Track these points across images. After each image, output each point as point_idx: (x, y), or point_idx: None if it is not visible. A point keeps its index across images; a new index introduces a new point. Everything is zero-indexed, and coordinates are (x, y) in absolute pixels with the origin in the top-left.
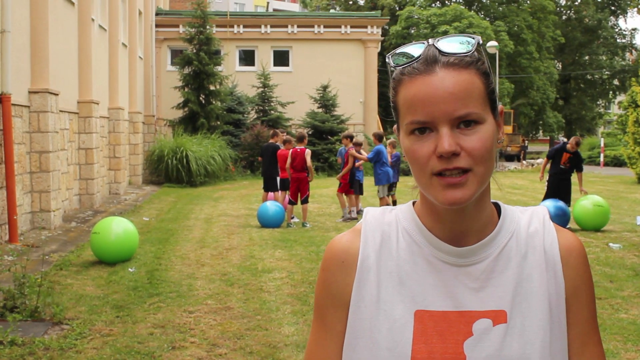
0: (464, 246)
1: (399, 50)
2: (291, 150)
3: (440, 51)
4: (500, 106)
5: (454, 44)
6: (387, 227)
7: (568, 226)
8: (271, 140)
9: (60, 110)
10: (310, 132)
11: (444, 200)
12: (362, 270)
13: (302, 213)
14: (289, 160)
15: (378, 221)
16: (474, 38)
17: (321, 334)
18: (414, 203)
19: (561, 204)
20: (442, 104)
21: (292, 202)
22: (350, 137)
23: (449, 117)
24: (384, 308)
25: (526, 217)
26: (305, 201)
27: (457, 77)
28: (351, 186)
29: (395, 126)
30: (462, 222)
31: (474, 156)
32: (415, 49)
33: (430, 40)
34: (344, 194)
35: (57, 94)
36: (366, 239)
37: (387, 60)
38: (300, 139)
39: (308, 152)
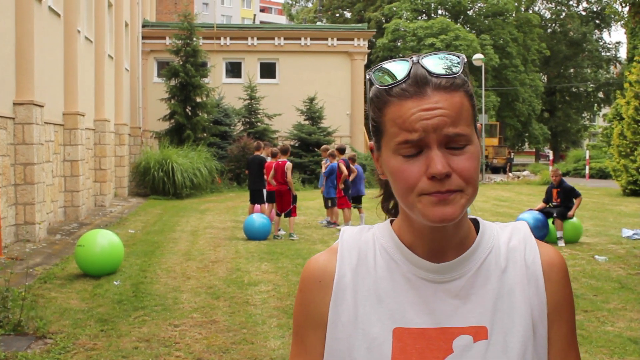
0: (442, 262)
1: (380, 67)
2: (274, 163)
3: (429, 72)
4: (478, 124)
5: (441, 64)
6: (364, 246)
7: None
8: (256, 153)
9: (46, 122)
10: (296, 145)
11: (434, 216)
12: (338, 290)
13: (289, 225)
14: (271, 173)
15: (355, 240)
16: (459, 57)
17: (301, 356)
18: (391, 222)
19: (540, 216)
20: (434, 122)
21: (279, 214)
22: (341, 150)
23: (440, 135)
24: (362, 327)
25: (506, 233)
26: (288, 214)
27: (450, 100)
28: (349, 199)
29: (370, 143)
30: (441, 239)
31: (465, 177)
32: (399, 67)
33: (415, 58)
34: (344, 210)
35: (43, 106)
36: (342, 257)
37: (367, 77)
38: (283, 152)
39: (289, 165)
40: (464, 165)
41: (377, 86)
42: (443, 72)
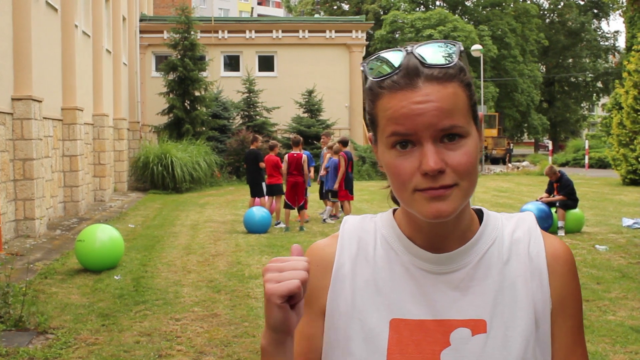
0: (442, 253)
1: (374, 57)
2: (287, 155)
3: (421, 62)
4: (480, 113)
5: (435, 53)
6: (364, 234)
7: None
8: (252, 146)
9: (44, 117)
10: None
11: (429, 213)
12: (336, 279)
13: (300, 218)
14: (284, 166)
15: (356, 228)
16: (455, 45)
17: None
18: (394, 211)
19: (544, 207)
20: (426, 118)
21: (290, 207)
22: (343, 142)
23: (433, 130)
24: (359, 317)
25: (511, 224)
26: (302, 207)
27: (442, 92)
28: (350, 192)
29: (369, 135)
30: (441, 232)
31: (459, 172)
32: (393, 57)
33: (409, 47)
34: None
35: (41, 101)
36: (342, 246)
37: (361, 68)
38: (295, 144)
39: (305, 158)
40: (459, 161)
41: (370, 78)
42: (437, 62)
